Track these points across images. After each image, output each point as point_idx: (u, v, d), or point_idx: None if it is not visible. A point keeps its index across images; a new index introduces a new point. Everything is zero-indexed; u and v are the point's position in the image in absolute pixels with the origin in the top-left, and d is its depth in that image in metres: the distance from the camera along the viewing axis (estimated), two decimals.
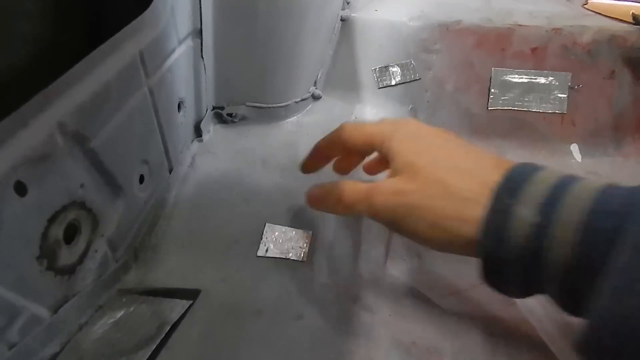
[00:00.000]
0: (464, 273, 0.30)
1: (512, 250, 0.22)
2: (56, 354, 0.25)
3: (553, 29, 0.47)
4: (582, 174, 0.44)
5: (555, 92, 0.47)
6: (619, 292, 0.18)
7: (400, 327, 0.27)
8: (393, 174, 0.26)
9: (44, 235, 0.23)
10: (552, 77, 0.47)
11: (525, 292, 0.23)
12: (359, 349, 0.26)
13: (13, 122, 0.21)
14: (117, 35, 0.29)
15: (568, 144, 0.46)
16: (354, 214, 0.29)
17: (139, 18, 0.31)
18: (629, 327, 0.18)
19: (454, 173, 0.24)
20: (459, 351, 0.26)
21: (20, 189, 0.21)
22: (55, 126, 0.23)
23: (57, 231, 0.24)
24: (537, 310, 0.28)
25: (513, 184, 0.22)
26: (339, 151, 0.32)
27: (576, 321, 0.21)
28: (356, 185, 0.27)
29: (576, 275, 0.20)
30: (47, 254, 0.24)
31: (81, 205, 0.26)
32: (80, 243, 0.26)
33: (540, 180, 0.22)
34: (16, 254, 0.22)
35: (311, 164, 0.34)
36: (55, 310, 0.25)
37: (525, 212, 0.21)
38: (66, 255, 0.25)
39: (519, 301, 0.29)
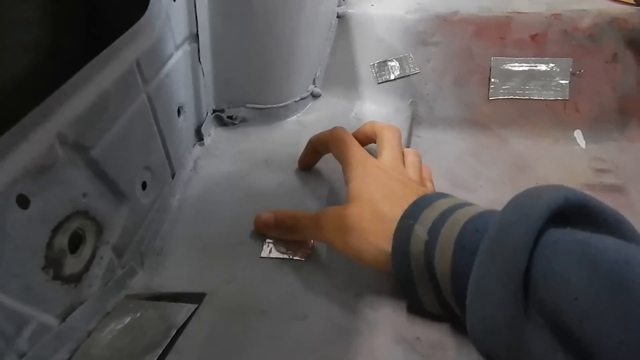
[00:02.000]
0: None
1: (415, 263, 0.26)
2: None
3: (553, 15, 0.46)
4: (587, 160, 0.44)
5: (557, 78, 0.46)
6: (471, 301, 0.22)
7: (404, 323, 0.27)
8: (346, 200, 0.31)
9: (49, 246, 0.24)
10: (552, 63, 0.46)
11: (440, 306, 0.26)
12: (362, 346, 0.26)
13: (13, 136, 0.22)
14: (114, 44, 0.29)
15: (572, 131, 0.46)
16: (303, 237, 0.33)
17: (135, 26, 0.31)
18: (486, 333, 0.21)
19: (385, 201, 0.29)
20: (462, 345, 0.25)
21: (23, 201, 0.22)
22: (55, 137, 0.24)
23: (62, 241, 0.25)
24: None
25: (417, 207, 0.27)
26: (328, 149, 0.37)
27: None
28: (307, 212, 0.32)
29: (458, 288, 0.24)
30: (52, 264, 0.24)
31: (85, 214, 0.26)
32: (86, 251, 0.27)
33: (437, 205, 0.26)
34: (22, 265, 0.22)
35: (305, 158, 0.40)
36: (63, 318, 0.25)
37: (420, 231, 0.25)
38: (72, 264, 0.26)
39: None
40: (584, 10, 0.46)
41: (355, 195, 0.30)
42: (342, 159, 0.34)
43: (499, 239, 0.21)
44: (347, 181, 0.32)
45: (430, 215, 0.26)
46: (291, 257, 0.33)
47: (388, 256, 0.27)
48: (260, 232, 0.34)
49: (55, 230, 0.24)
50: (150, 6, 0.32)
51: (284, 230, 0.33)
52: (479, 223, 0.24)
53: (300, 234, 0.32)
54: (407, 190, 0.30)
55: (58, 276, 0.25)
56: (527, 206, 0.21)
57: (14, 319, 0.22)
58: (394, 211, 0.27)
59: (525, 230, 0.20)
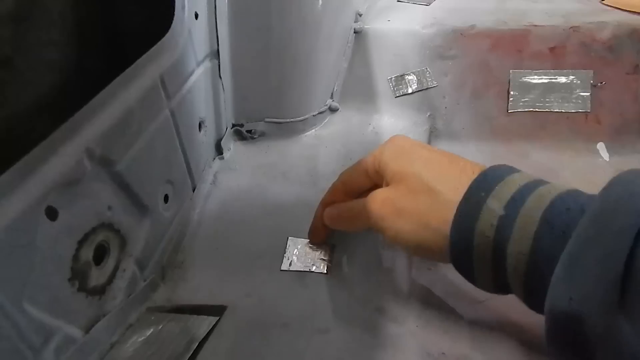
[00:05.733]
0: None
1: (481, 240, 0.24)
2: None
3: (571, 27, 0.46)
4: (611, 172, 0.43)
5: (577, 90, 0.46)
6: (559, 281, 0.20)
7: (428, 338, 0.27)
8: (385, 185, 0.29)
9: (75, 257, 0.24)
10: (572, 75, 0.46)
11: (495, 287, 0.25)
12: None
13: (43, 150, 0.22)
14: (138, 61, 0.30)
15: (594, 143, 0.45)
16: (361, 227, 0.31)
17: (159, 43, 0.32)
18: (570, 315, 0.19)
19: (439, 180, 0.26)
20: None
21: (52, 213, 0.22)
22: (83, 152, 0.24)
23: (87, 253, 0.25)
24: None
25: (488, 180, 0.25)
26: (341, 201, 0.33)
27: None
28: (360, 199, 0.30)
29: (533, 268, 0.22)
30: (78, 276, 0.24)
31: (109, 226, 0.27)
32: (110, 263, 0.27)
33: (512, 180, 0.24)
34: (49, 276, 0.23)
35: (319, 229, 0.34)
36: (87, 330, 0.25)
37: (495, 205, 0.23)
38: (96, 276, 0.26)
39: None
40: (602, 22, 0.46)
41: (399, 174, 0.27)
42: (364, 167, 0.30)
43: (603, 217, 0.19)
44: (380, 168, 0.29)
45: (505, 190, 0.24)
46: (311, 270, 0.32)
47: (446, 242, 0.25)
48: (330, 226, 0.33)
49: (82, 242, 0.25)
50: (173, 24, 0.33)
51: (340, 224, 0.32)
52: (570, 201, 0.22)
53: (356, 220, 0.30)
54: (458, 165, 0.27)
55: (83, 288, 0.25)
56: (637, 184, 0.19)
57: (42, 331, 0.22)
58: (453, 192, 0.25)
59: (635, 209, 0.18)
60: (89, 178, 0.25)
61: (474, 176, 0.25)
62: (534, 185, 0.24)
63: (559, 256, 0.20)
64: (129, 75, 0.29)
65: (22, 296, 0.21)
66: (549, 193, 0.23)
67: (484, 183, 0.25)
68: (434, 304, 0.30)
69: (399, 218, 0.27)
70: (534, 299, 0.22)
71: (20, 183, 0.21)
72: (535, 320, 0.28)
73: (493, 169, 0.25)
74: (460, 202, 0.24)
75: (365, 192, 0.31)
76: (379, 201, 0.28)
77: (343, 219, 0.32)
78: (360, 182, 0.31)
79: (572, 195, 0.22)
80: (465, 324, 0.28)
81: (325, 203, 0.34)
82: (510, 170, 0.25)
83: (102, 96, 0.26)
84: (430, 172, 0.27)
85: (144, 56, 0.30)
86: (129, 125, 0.28)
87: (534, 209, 0.22)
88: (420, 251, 0.27)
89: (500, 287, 0.24)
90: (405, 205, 0.26)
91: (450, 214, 0.25)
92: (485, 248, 0.24)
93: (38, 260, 0.22)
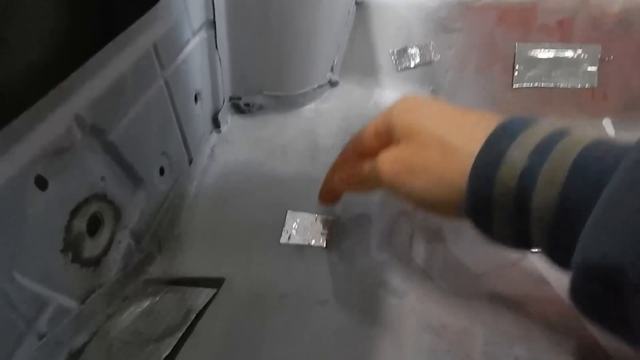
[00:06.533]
0: (493, 254, 0.29)
1: (501, 191, 0.22)
2: (85, 344, 0.25)
3: (580, 0, 0.44)
4: None
5: (585, 65, 0.44)
6: (592, 232, 0.18)
7: (430, 311, 0.26)
8: (395, 143, 0.27)
9: (68, 228, 0.24)
10: (580, 49, 0.44)
11: (515, 241, 0.23)
12: (386, 333, 0.25)
13: (30, 117, 0.21)
14: (131, 28, 0.29)
15: (600, 119, 0.44)
16: (372, 188, 0.30)
17: (152, 10, 0.31)
18: (604, 269, 0.18)
19: (451, 132, 0.24)
20: (492, 333, 0.25)
21: (41, 183, 0.22)
22: (73, 119, 0.23)
23: (80, 224, 0.25)
24: None
25: (510, 129, 0.23)
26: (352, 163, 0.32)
27: None
28: (370, 160, 0.28)
29: (561, 220, 0.20)
30: (71, 247, 0.24)
31: (103, 197, 0.26)
32: (104, 235, 0.27)
33: (538, 129, 0.22)
34: (41, 247, 0.22)
35: (330, 192, 0.33)
36: (82, 301, 0.25)
37: (518, 156, 0.21)
38: (90, 247, 0.26)
39: (553, 280, 0.28)
40: None
41: (409, 130, 0.26)
42: (374, 127, 0.29)
43: None
44: (390, 126, 0.27)
45: (530, 138, 0.22)
46: (310, 243, 0.32)
47: (462, 196, 0.23)
48: (340, 189, 0.32)
49: (74, 212, 0.24)
50: None
51: (351, 186, 0.31)
52: (606, 147, 0.20)
53: (366, 182, 0.29)
54: (474, 117, 0.25)
55: (77, 259, 0.24)
56: None
57: (34, 301, 0.22)
58: (467, 144, 0.23)
59: None
60: (80, 147, 0.24)
61: (492, 126, 0.23)
62: (564, 131, 0.22)
63: (591, 206, 0.19)
64: (121, 43, 0.28)
65: (12, 266, 0.21)
66: (582, 140, 0.21)
67: (506, 131, 0.23)
68: (434, 277, 0.29)
69: (411, 175, 0.25)
70: (560, 254, 0.21)
71: (6, 151, 0.20)
72: (535, 293, 0.28)
73: (516, 118, 0.23)
74: (480, 152, 0.23)
75: (376, 153, 0.30)
76: (389, 160, 0.26)
77: (354, 181, 0.31)
78: (371, 143, 0.30)
79: (609, 142, 0.20)
80: (466, 297, 0.27)
81: (336, 166, 0.33)
82: (536, 119, 0.23)
83: (93, 63, 0.25)
84: (442, 124, 0.25)
85: (137, 23, 0.29)
86: (121, 93, 0.27)
87: (563, 155, 0.20)
88: (435, 208, 0.26)
89: (521, 241, 0.23)
90: (417, 161, 0.25)
91: (466, 165, 0.23)
92: (506, 199, 0.22)
93: (28, 230, 0.21)
